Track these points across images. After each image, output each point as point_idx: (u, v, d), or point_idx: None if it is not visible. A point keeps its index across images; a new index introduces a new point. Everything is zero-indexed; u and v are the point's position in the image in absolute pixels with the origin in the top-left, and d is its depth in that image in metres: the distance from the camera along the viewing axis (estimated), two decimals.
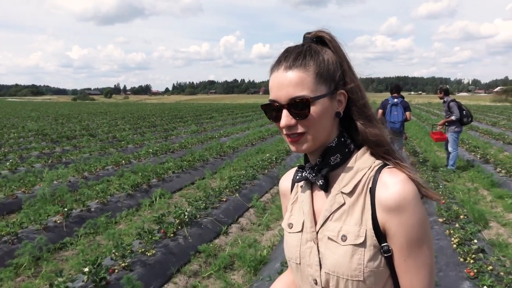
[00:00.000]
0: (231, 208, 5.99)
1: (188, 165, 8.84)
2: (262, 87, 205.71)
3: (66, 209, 5.40)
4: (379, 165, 0.96)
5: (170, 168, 8.32)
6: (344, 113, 0.98)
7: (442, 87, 9.05)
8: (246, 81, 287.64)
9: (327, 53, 0.96)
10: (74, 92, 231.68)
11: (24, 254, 4.26)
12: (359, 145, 1.01)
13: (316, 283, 0.97)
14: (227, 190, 6.57)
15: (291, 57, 0.93)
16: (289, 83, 0.91)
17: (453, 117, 8.32)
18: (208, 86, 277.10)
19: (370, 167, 0.96)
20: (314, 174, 0.99)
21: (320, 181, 0.97)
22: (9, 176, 7.94)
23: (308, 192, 1.04)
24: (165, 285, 3.97)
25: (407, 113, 7.83)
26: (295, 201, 1.09)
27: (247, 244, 4.82)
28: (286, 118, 0.92)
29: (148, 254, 4.14)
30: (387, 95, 8.49)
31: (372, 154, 0.99)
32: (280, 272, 3.67)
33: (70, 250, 4.77)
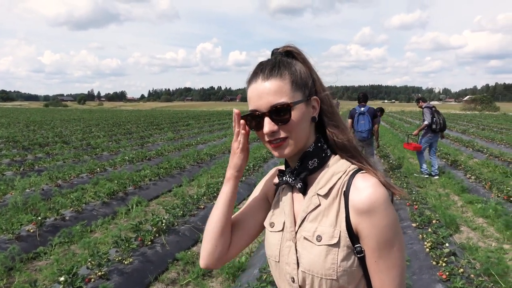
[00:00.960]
0: (209, 215, 5.94)
1: (165, 172, 8.77)
2: (238, 95, 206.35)
3: (39, 218, 5.28)
4: (354, 170, 1.01)
5: (147, 176, 8.24)
6: (317, 120, 1.05)
7: (417, 97, 9.43)
8: (223, 88, 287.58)
9: (298, 65, 1.03)
10: (46, 98, 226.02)
11: None
12: (335, 150, 1.07)
13: (293, 281, 1.01)
14: (204, 197, 6.56)
15: (267, 68, 1.00)
16: (268, 91, 0.97)
17: (425, 122, 8.67)
18: (185, 93, 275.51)
19: (345, 171, 1.01)
20: (293, 178, 1.05)
21: (298, 185, 1.03)
22: None
23: (289, 194, 1.09)
24: None
25: (375, 121, 8.00)
26: (277, 202, 1.14)
27: None
28: (269, 125, 0.97)
29: (125, 262, 4.10)
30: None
31: (346, 159, 1.05)
32: (259, 278, 3.70)
33: (44, 259, 4.66)
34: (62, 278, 3.51)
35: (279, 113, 0.96)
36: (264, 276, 3.70)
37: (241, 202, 7.01)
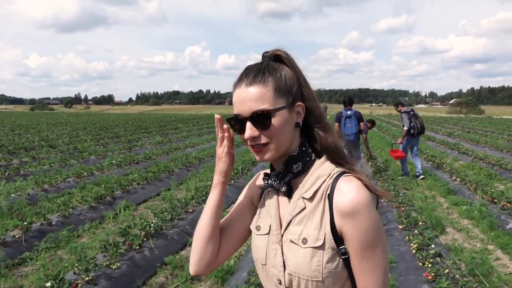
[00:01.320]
0: (197, 219, 5.85)
1: (153, 176, 8.73)
2: (227, 98, 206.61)
3: (25, 223, 5.20)
4: (338, 173, 1.03)
5: (135, 180, 8.19)
6: (303, 124, 1.07)
7: (396, 101, 9.76)
8: (212, 91, 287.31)
9: (284, 70, 1.04)
10: (32, 101, 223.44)
11: None
12: (319, 154, 1.09)
13: (280, 283, 1.03)
14: (193, 201, 6.54)
15: (252, 74, 1.01)
16: (250, 97, 0.99)
17: (404, 128, 8.96)
18: (173, 97, 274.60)
19: (330, 175, 1.03)
20: (278, 182, 1.07)
21: (283, 188, 1.05)
22: None
23: (275, 197, 1.11)
24: None
25: (361, 124, 8.12)
26: (263, 205, 1.15)
27: None
28: (250, 130, 1.00)
29: (113, 267, 4.07)
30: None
31: (332, 162, 1.07)
32: (247, 281, 3.71)
33: (30, 265, 4.60)
34: (48, 284, 3.47)
35: (260, 119, 0.98)
36: (253, 279, 3.71)
37: (229, 206, 7.01)
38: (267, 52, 1.08)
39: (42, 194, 7.25)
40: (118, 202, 6.90)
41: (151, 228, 4.96)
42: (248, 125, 1.00)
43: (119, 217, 6.37)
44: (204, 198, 6.72)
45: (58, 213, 5.96)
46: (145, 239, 4.85)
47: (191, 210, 6.12)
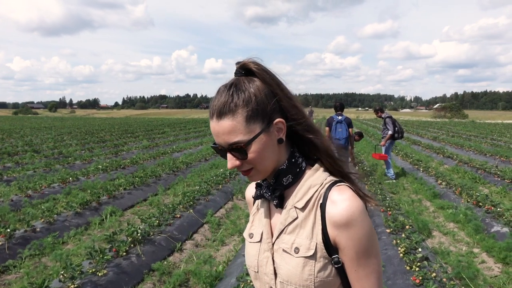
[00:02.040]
0: (185, 225, 5.93)
1: (140, 181, 8.64)
2: None
3: (8, 230, 5.09)
4: (330, 182, 1.02)
5: (121, 185, 8.09)
6: (293, 132, 1.04)
7: (376, 107, 10.31)
8: (199, 96, 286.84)
9: (255, 85, 0.98)
10: (15, 105, 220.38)
11: None
12: (313, 161, 1.08)
13: None
14: (180, 206, 6.49)
15: (220, 104, 0.96)
16: (223, 131, 0.96)
17: (389, 132, 9.48)
18: (160, 101, 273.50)
19: (322, 184, 1.03)
20: (269, 194, 1.06)
21: (274, 202, 1.05)
22: None
23: (266, 205, 1.11)
24: None
25: (350, 130, 8.32)
26: (256, 213, 1.15)
27: (202, 260, 4.79)
28: (230, 161, 0.99)
29: (99, 274, 4.01)
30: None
31: (324, 171, 1.07)
32: (236, 287, 3.68)
33: (13, 273, 4.50)
34: None
35: (237, 151, 0.97)
36: (242, 285, 3.69)
37: (217, 210, 6.97)
38: (239, 62, 1.02)
39: (26, 200, 7.11)
40: (104, 208, 6.81)
41: (138, 234, 4.91)
42: (228, 156, 0.99)
43: (105, 223, 6.28)
44: (191, 203, 6.68)
45: (42, 220, 5.86)
46: (132, 245, 4.79)
47: (178, 216, 6.07)
